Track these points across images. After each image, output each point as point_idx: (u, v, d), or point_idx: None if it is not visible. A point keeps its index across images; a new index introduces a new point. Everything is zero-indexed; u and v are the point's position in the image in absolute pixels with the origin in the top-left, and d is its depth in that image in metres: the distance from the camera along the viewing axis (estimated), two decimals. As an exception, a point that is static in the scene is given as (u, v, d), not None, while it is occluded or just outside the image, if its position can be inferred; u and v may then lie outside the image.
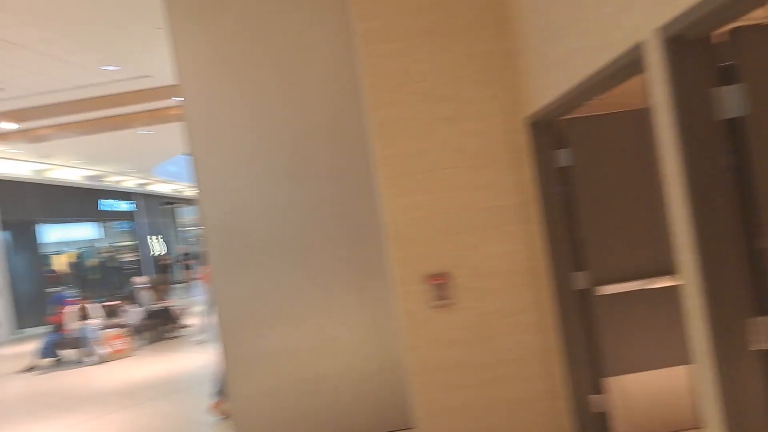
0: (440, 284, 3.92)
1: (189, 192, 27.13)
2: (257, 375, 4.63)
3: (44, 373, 9.58)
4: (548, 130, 3.81)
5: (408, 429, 4.53)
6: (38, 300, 16.58)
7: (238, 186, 4.65)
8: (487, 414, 3.90)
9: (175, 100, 11.04)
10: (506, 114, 3.95)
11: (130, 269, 22.46)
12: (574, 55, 3.05)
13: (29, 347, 12.28)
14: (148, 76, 9.21)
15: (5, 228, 15.51)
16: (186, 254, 20.89)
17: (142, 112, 11.76)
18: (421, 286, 3.94)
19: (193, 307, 11.68)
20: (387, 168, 3.97)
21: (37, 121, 11.37)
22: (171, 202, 26.99)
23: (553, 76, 3.35)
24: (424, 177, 3.96)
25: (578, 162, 3.77)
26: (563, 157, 3.80)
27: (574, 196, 3.77)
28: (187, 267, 20.32)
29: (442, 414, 3.92)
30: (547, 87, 3.45)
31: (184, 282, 20.36)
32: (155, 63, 8.65)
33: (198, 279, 10.46)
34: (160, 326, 11.41)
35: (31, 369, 9.83)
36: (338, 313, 4.63)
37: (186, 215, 29.69)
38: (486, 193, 3.94)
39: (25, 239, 16.77)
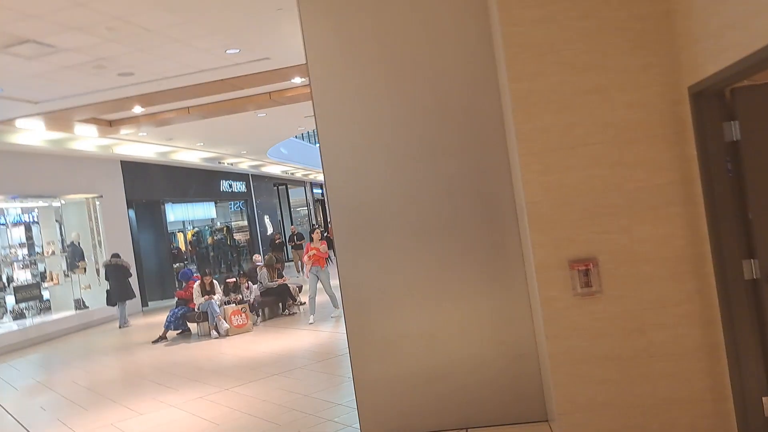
0: (585, 270, 3.62)
1: (299, 173, 27.88)
2: (383, 358, 4.54)
3: (172, 344, 10.11)
4: (716, 101, 3.39)
5: (542, 422, 4.29)
6: (162, 275, 17.65)
7: (366, 164, 4.54)
8: (638, 413, 3.58)
9: (291, 82, 11.21)
10: (664, 84, 3.56)
11: (243, 247, 23.45)
12: (762, 13, 2.64)
13: (156, 319, 13.11)
14: (266, 59, 9.33)
15: (133, 207, 16.54)
16: (296, 234, 21.43)
17: (258, 94, 12.04)
18: (564, 272, 3.66)
19: (304, 286, 11.89)
20: (527, 144, 3.70)
21: (162, 105, 11.92)
22: (282, 183, 27.83)
23: (729, 39, 2.94)
24: (568, 153, 3.66)
25: (751, 135, 3.34)
26: (732, 131, 3.37)
27: (745, 174, 3.35)
28: (297, 247, 20.85)
29: (585, 409, 3.65)
30: (720, 51, 3.04)
31: (294, 261, 20.93)
32: (274, 45, 8.75)
33: (304, 259, 10.56)
34: (276, 303, 11.74)
35: (159, 340, 10.41)
36: (469, 297, 4.44)
37: (295, 196, 30.58)
38: (639, 171, 3.59)
39: (150, 218, 17.83)
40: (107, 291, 13.17)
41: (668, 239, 3.55)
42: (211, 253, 21.86)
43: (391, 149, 4.52)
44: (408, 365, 4.50)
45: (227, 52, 8.70)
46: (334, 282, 6.83)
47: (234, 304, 10.54)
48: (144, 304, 15.90)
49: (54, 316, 13.31)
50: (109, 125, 12.97)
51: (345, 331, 4.55)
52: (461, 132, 4.43)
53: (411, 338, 4.51)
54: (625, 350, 3.61)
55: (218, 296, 10.51)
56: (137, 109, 11.80)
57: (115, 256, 13.35)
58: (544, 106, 3.68)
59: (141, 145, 15.73)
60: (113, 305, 13.16)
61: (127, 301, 13.17)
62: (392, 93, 4.50)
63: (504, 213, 4.38)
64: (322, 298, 10.52)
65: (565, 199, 3.66)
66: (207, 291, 10.52)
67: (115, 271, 13.05)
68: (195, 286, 10.63)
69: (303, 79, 11.15)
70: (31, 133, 12.11)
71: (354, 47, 4.55)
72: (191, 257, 20.49)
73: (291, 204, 29.42)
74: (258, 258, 12.73)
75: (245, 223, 24.18)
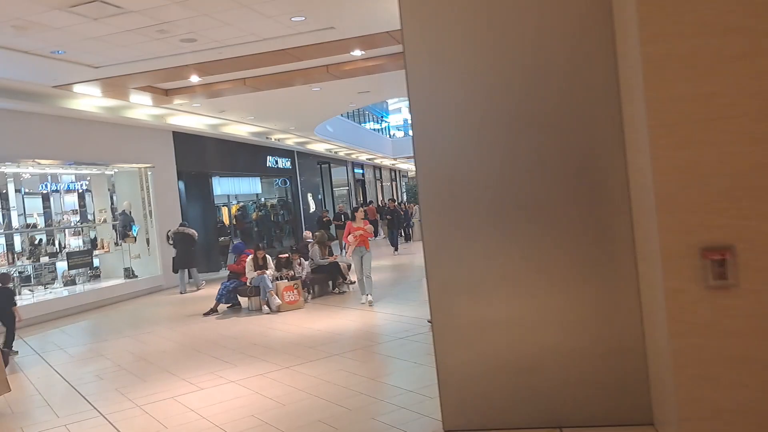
0: (719, 260, 3.20)
1: (342, 152, 27.61)
2: (469, 345, 4.21)
3: (223, 317, 9.96)
4: None
5: (647, 425, 3.91)
6: (209, 248, 17.61)
7: (457, 137, 4.17)
8: (774, 423, 3.17)
9: (351, 55, 10.85)
10: (826, 49, 3.09)
11: (286, 224, 23.36)
12: None
13: (202, 291, 13.07)
14: (331, 28, 9.00)
15: (182, 178, 16.49)
16: (341, 213, 21.24)
17: (316, 67, 11.73)
18: (694, 261, 3.24)
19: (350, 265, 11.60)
20: (659, 115, 3.27)
21: (219, 76, 11.71)
22: (325, 161, 27.62)
23: None
24: (706, 127, 3.22)
25: None
26: None
27: None
28: (341, 226, 20.65)
29: (711, 416, 3.25)
30: None
31: (339, 239, 20.75)
32: (341, 14, 8.42)
33: (349, 240, 10.08)
34: (326, 281, 11.51)
35: (210, 313, 10.28)
36: (566, 284, 4.06)
37: (337, 176, 30.35)
38: (789, 150, 3.14)
39: (199, 190, 17.77)
40: (173, 258, 13.43)
41: (822, 229, 3.10)
42: (255, 229, 21.81)
43: (487, 121, 4.14)
44: (497, 354, 4.16)
45: (292, 19, 8.40)
46: (384, 262, 6.48)
47: (286, 280, 10.34)
48: (191, 275, 15.87)
49: (103, 283, 13.36)
50: (164, 94, 12.84)
51: (400, 313, 4.22)
52: (565, 101, 4.01)
53: (501, 325, 4.16)
54: (762, 352, 3.19)
55: (270, 271, 10.31)
56: (194, 79, 11.61)
57: (183, 224, 13.64)
58: (681, 73, 3.24)
59: (193, 117, 15.63)
60: (177, 272, 13.44)
61: (189, 269, 13.51)
62: (490, 55, 4.10)
63: (612, 192, 3.97)
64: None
65: (699, 179, 3.23)
66: (260, 266, 10.34)
67: (181, 239, 13.26)
68: (248, 260, 10.45)
69: (363, 52, 10.80)
70: (88, 99, 12.06)
71: (452, 9, 4.16)
72: (235, 231, 20.45)
73: (333, 183, 29.23)
74: (309, 234, 12.51)
75: (289, 199, 24.06)
